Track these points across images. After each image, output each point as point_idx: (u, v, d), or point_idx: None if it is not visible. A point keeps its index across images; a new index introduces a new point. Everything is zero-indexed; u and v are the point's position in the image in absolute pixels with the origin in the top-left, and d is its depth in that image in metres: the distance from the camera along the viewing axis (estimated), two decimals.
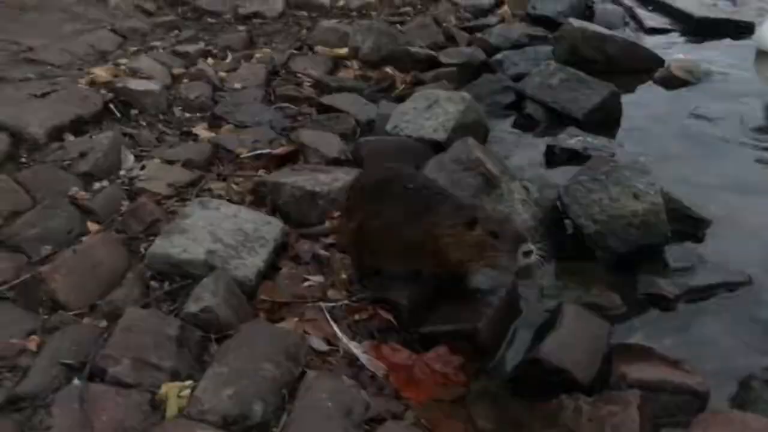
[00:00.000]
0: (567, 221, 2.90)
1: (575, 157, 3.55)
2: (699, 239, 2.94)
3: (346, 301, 2.49)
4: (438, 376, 2.24)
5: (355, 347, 2.28)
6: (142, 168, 3.25)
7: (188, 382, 1.93)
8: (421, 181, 2.54)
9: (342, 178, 3.05)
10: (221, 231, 2.57)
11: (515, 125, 4.16)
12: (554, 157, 3.64)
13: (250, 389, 1.87)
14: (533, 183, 3.23)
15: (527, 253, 2.24)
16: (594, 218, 2.80)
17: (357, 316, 2.43)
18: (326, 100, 4.29)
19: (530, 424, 2.01)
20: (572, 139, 3.73)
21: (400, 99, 4.03)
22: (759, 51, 5.15)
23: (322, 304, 2.44)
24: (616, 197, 2.79)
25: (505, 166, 3.25)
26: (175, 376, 1.97)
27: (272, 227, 2.71)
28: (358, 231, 2.54)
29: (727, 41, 5.48)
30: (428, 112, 3.67)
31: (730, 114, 4.16)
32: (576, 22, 5.13)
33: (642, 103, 4.40)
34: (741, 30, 5.62)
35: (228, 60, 5.04)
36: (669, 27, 6.03)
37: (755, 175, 3.49)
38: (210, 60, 4.99)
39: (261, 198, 3.05)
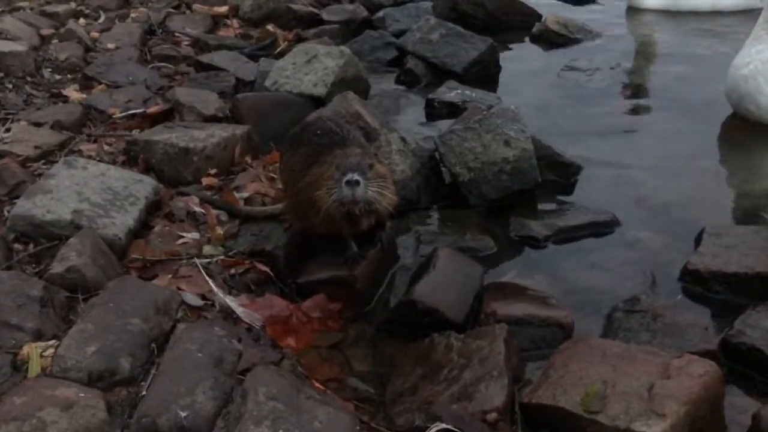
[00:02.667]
0: (444, 170, 2.94)
1: (454, 109, 3.59)
2: (570, 184, 3.04)
3: (222, 257, 2.46)
4: (315, 323, 2.25)
5: (230, 301, 2.25)
6: (7, 131, 3.09)
7: (52, 342, 1.87)
8: (331, 128, 2.48)
9: (218, 134, 2.99)
10: (88, 190, 2.48)
11: (396, 81, 4.18)
12: (434, 110, 3.68)
13: (117, 344, 1.83)
14: (413, 135, 3.25)
15: (349, 183, 2.20)
16: (468, 166, 2.85)
17: (233, 270, 2.41)
18: (205, 58, 4.19)
19: (403, 363, 2.04)
20: (451, 92, 3.77)
21: (282, 56, 3.98)
22: (629, 8, 5.38)
23: (197, 260, 2.40)
24: (488, 144, 2.85)
25: (384, 120, 3.27)
26: (38, 337, 1.89)
27: (144, 185, 2.63)
28: (292, 191, 2.49)
29: (602, 1, 5.67)
30: (307, 67, 3.63)
31: (601, 65, 4.33)
32: None
33: (520, 58, 4.51)
34: None
35: (101, 20, 4.84)
36: None
37: (624, 122, 3.63)
38: (82, 20, 4.78)
39: (133, 158, 2.96)
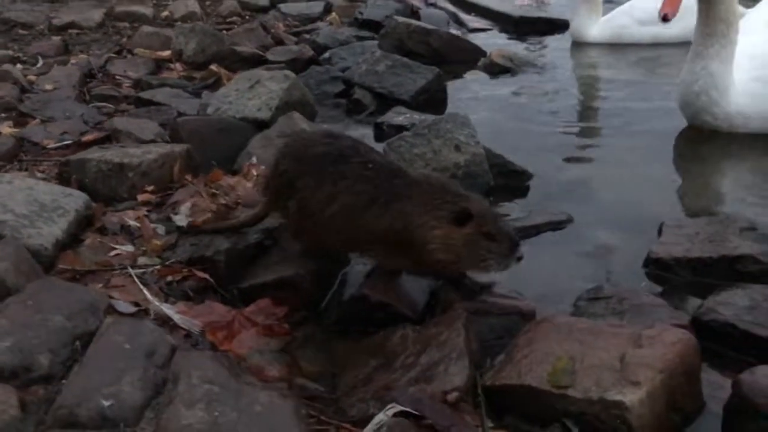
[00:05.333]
0: None
1: (403, 131, 3.51)
2: (523, 189, 2.96)
3: (158, 266, 2.29)
4: (260, 328, 2.07)
5: (167, 308, 2.07)
6: None
7: None
8: (375, 157, 2.11)
9: (155, 151, 2.85)
10: (13, 202, 2.31)
11: (344, 110, 4.12)
12: (382, 133, 3.59)
13: (34, 340, 1.64)
14: None
15: (519, 259, 1.98)
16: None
17: (170, 278, 2.24)
18: (146, 95, 4.07)
19: (355, 359, 1.88)
20: (400, 116, 3.70)
21: None
22: (573, 42, 5.47)
23: (131, 270, 2.23)
24: (438, 149, 2.77)
25: None
26: None
27: (74, 198, 2.47)
28: (301, 212, 2.12)
29: (546, 36, 5.78)
30: (251, 92, 3.54)
31: (548, 92, 4.34)
32: (401, 18, 5.20)
33: (467, 87, 4.50)
34: (557, 26, 5.94)
35: (39, 65, 4.72)
36: (491, 27, 6.27)
37: (575, 141, 3.62)
38: (18, 66, 4.65)
39: (66, 179, 2.79)
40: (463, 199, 1.99)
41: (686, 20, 4.99)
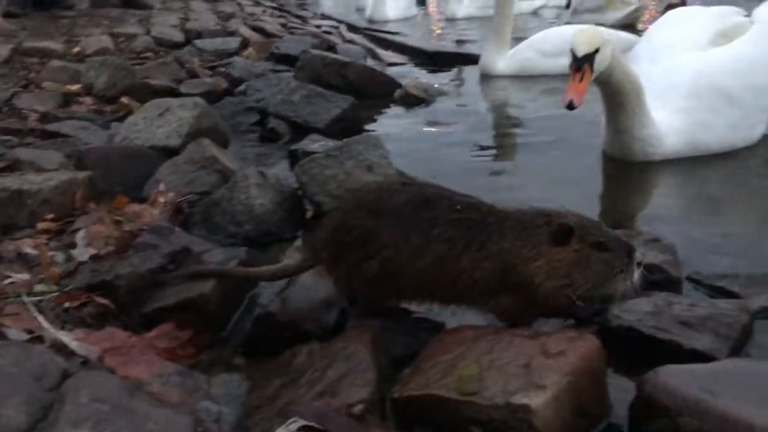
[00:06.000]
0: (306, 201, 2.80)
1: None
2: None
3: (55, 293, 2.18)
4: (163, 353, 1.99)
5: (64, 335, 1.97)
6: None
7: None
8: (462, 198, 1.92)
9: (57, 178, 2.75)
10: None
11: (259, 139, 4.09)
12: (297, 160, 3.56)
13: None
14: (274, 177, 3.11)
15: (639, 265, 1.80)
16: (331, 194, 2.73)
17: (68, 305, 2.13)
18: (52, 127, 3.94)
19: (261, 378, 1.82)
20: (315, 144, 3.68)
21: None
22: (482, 75, 5.61)
23: (26, 298, 2.11)
24: (350, 171, 2.75)
25: (243, 163, 3.13)
26: None
27: None
28: (383, 269, 1.88)
29: (458, 69, 5.92)
30: (160, 120, 3.46)
31: (459, 120, 4.45)
32: (316, 51, 5.23)
33: (383, 116, 4.56)
34: (470, 60, 6.09)
35: None
36: (406, 62, 6.38)
37: (479, 165, 3.67)
38: None
39: None
40: (559, 216, 1.80)
41: None
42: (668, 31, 3.97)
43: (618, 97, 3.38)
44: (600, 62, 3.20)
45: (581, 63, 3.20)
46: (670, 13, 4.20)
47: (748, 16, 3.86)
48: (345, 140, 2.88)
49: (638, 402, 1.61)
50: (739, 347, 1.92)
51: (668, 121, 3.44)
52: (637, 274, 1.79)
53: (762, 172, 3.46)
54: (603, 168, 3.55)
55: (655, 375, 1.61)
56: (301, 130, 4.06)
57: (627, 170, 3.44)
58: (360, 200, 1.98)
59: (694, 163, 3.45)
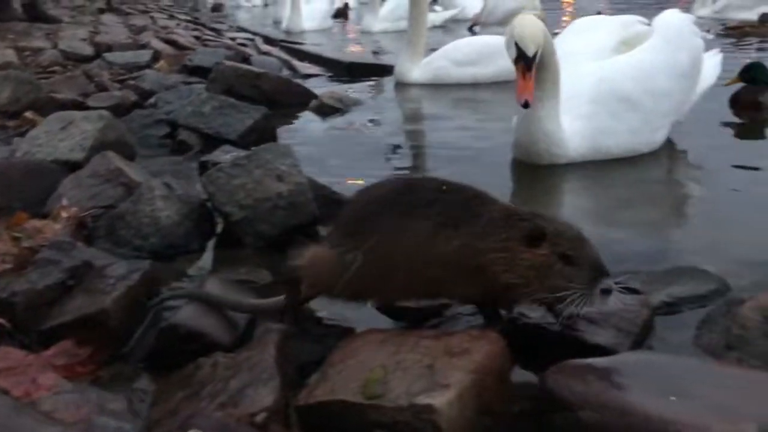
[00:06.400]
0: (215, 212, 2.75)
1: None
2: None
3: None
4: (61, 370, 1.91)
5: None
6: None
7: None
8: (455, 183, 1.91)
9: None
10: None
11: (169, 152, 4.00)
12: (206, 171, 3.50)
13: None
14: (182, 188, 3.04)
15: (605, 292, 1.74)
16: (240, 204, 2.67)
17: None
18: None
19: (164, 391, 1.76)
20: (226, 155, 3.61)
21: None
22: (397, 83, 5.69)
23: None
24: (259, 180, 2.70)
25: (149, 175, 3.05)
26: None
27: None
28: (366, 263, 1.84)
29: (374, 79, 5.95)
30: (63, 133, 3.35)
31: (374, 129, 4.49)
32: (229, 62, 5.17)
33: (297, 126, 4.56)
34: (384, 70, 6.14)
35: None
36: (323, 73, 6.38)
37: (395, 173, 3.67)
38: None
39: None
40: (541, 219, 1.79)
41: (500, 62, 5.34)
42: (573, 40, 4.07)
43: (541, 86, 3.43)
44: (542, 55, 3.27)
45: (531, 63, 3.23)
46: (576, 22, 4.32)
47: (650, 25, 4.00)
48: (253, 149, 2.84)
49: (541, 398, 1.63)
50: (640, 341, 1.96)
51: (572, 125, 3.53)
52: (599, 301, 1.74)
53: (664, 176, 3.58)
54: (512, 173, 3.61)
55: (556, 370, 1.64)
56: (213, 142, 3.99)
57: (535, 174, 3.51)
58: (352, 200, 2.00)
59: (600, 168, 3.54)
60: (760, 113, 4.56)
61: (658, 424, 1.43)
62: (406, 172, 3.66)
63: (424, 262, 1.80)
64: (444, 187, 1.85)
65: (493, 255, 1.76)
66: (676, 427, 1.41)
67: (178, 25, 10.52)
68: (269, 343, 1.78)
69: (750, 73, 4.60)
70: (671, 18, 3.87)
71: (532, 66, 3.25)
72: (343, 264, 1.85)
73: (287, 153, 2.81)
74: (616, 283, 1.76)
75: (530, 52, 3.24)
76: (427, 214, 1.80)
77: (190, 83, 5.34)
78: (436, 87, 5.54)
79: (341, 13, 13.24)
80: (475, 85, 5.53)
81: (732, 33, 8.24)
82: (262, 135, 4.12)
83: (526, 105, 3.25)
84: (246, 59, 6.31)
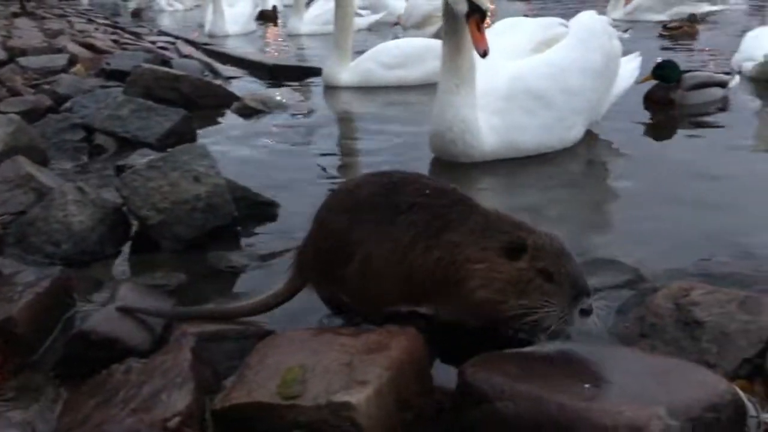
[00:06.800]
0: (131, 216, 2.68)
1: None
2: (271, 219, 2.92)
3: None
4: None
5: None
6: None
7: None
8: (440, 186, 1.84)
9: None
10: None
11: (85, 155, 3.88)
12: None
13: None
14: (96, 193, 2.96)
15: (585, 312, 1.65)
16: (157, 207, 2.61)
17: None
18: None
19: (75, 399, 1.70)
20: (144, 158, 3.52)
21: None
22: (325, 86, 5.66)
23: None
24: (176, 182, 2.65)
25: (62, 180, 2.95)
26: None
27: None
28: (362, 271, 1.80)
29: (299, 82, 5.92)
30: None
31: (298, 131, 4.45)
32: (147, 65, 5.05)
33: (219, 129, 4.50)
34: (309, 73, 6.11)
35: None
36: (246, 75, 6.31)
37: (319, 173, 3.67)
38: None
39: None
40: (523, 230, 1.70)
41: (427, 64, 5.37)
42: (493, 41, 4.12)
43: (459, 73, 3.49)
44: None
45: (485, 15, 3.35)
46: (497, 23, 4.37)
47: None
48: (169, 150, 2.78)
49: (459, 391, 1.63)
50: (556, 332, 1.99)
51: (487, 121, 3.58)
52: (578, 320, 1.66)
53: (580, 172, 3.65)
54: (432, 171, 3.63)
55: (473, 363, 1.64)
56: (131, 146, 3.90)
57: (454, 172, 3.54)
58: (331, 200, 1.93)
59: (516, 165, 3.58)
60: (672, 109, 4.71)
61: (572, 412, 1.45)
62: (334, 174, 3.63)
63: (403, 271, 1.76)
64: (427, 191, 1.78)
65: (470, 266, 1.70)
66: (589, 414, 1.43)
67: (96, 29, 10.25)
68: (185, 347, 1.73)
69: (661, 71, 4.75)
70: (585, 18, 3.96)
71: (485, 18, 3.34)
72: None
73: (204, 154, 2.76)
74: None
75: (485, 8, 3.32)
76: (407, 222, 1.75)
77: (107, 87, 5.19)
78: (364, 90, 5.54)
79: (269, 17, 13.14)
80: (402, 88, 5.55)
81: (671, 33, 8.56)
82: (181, 138, 4.04)
83: (485, 54, 3.31)
84: (166, 62, 6.18)
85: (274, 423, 1.54)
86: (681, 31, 8.66)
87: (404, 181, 1.82)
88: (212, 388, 1.71)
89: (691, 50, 7.52)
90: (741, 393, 1.53)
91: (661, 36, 8.55)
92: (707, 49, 7.42)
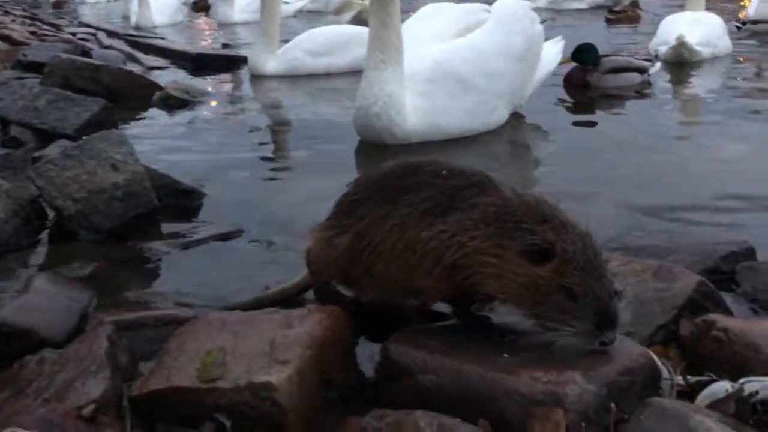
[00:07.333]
0: (48, 206, 2.60)
1: None
2: (194, 208, 2.88)
3: None
4: None
5: None
6: None
7: None
8: (460, 169, 1.66)
9: None
10: None
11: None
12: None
13: None
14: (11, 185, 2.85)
15: (604, 344, 1.46)
16: (73, 197, 2.53)
17: None
18: None
19: None
20: (60, 149, 3.43)
21: None
22: (252, 75, 5.59)
23: None
24: (93, 171, 2.57)
25: None
26: None
27: None
28: (352, 246, 1.69)
29: (226, 71, 5.83)
30: None
31: (223, 119, 4.41)
32: (65, 55, 4.91)
33: (143, 119, 4.41)
34: (235, 62, 6.02)
35: None
36: (170, 65, 6.18)
37: (243, 161, 3.60)
38: None
39: None
40: (551, 227, 1.48)
41: (354, 51, 5.36)
42: (418, 26, 4.15)
43: (385, 50, 3.50)
44: None
45: None
46: (423, 8, 4.39)
47: None
48: (84, 138, 2.70)
49: (383, 366, 1.63)
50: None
51: (411, 103, 3.59)
52: (594, 346, 1.47)
53: (504, 153, 3.70)
54: (358, 156, 3.63)
55: (396, 338, 1.65)
56: (49, 137, 3.77)
57: (380, 155, 3.54)
58: (349, 188, 1.79)
59: (441, 147, 3.61)
60: (588, 91, 4.82)
61: (491, 381, 1.46)
62: (257, 162, 3.58)
63: (406, 248, 1.60)
64: (444, 172, 1.62)
65: (480, 257, 1.51)
66: (508, 382, 1.45)
67: (13, 20, 9.88)
68: (101, 335, 1.68)
69: (580, 54, 4.85)
70: (507, 3, 4.01)
71: None
72: (332, 246, 1.73)
73: (122, 141, 2.69)
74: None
75: None
76: (414, 200, 1.60)
77: (23, 79, 5.02)
78: (291, 78, 5.49)
79: (202, 7, 12.93)
80: (330, 75, 5.52)
81: (616, 17, 8.85)
82: (101, 129, 3.88)
83: None
84: (86, 53, 6.01)
85: (195, 407, 1.51)
86: (624, 15, 8.95)
87: (420, 164, 1.68)
88: (130, 376, 1.67)
89: (634, 35, 7.70)
90: (655, 357, 1.57)
91: (607, 20, 8.79)
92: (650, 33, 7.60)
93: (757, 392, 1.37)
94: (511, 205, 1.53)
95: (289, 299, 1.96)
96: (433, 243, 1.56)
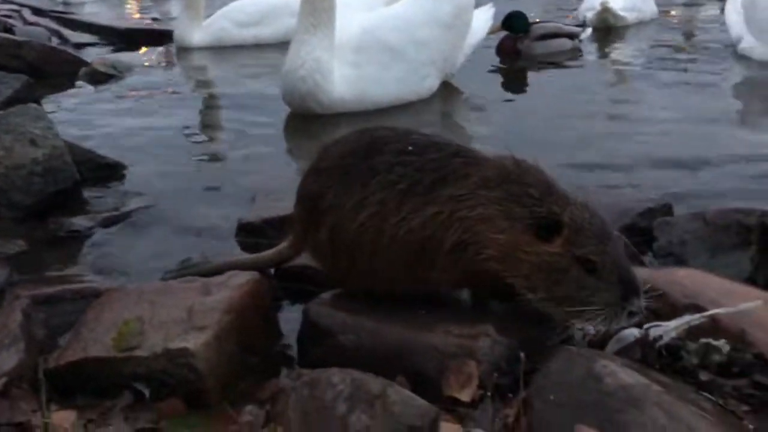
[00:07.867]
0: None
1: None
2: (116, 181, 2.83)
3: None
4: None
5: None
6: None
7: None
8: (421, 138, 1.54)
9: None
10: None
11: None
12: None
13: None
14: None
15: (632, 314, 1.36)
16: None
17: None
18: None
19: None
20: None
21: None
22: (179, 48, 5.51)
23: None
24: (10, 146, 2.50)
25: None
26: None
27: None
28: (332, 240, 1.55)
29: (155, 45, 5.70)
30: None
31: (151, 93, 4.31)
32: None
33: (66, 95, 4.30)
34: (164, 36, 5.88)
35: None
36: (97, 41, 6.03)
37: (168, 135, 3.54)
38: None
39: None
40: (555, 199, 1.36)
41: (283, 21, 5.28)
42: None
43: (315, 14, 3.48)
44: None
45: None
46: None
47: None
48: (0, 113, 2.62)
49: (304, 329, 1.64)
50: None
51: (338, 72, 3.57)
52: (623, 323, 1.37)
53: (436, 123, 3.71)
54: (287, 127, 3.61)
55: (318, 301, 1.66)
56: None
57: (309, 126, 3.53)
58: (313, 161, 1.65)
59: (372, 117, 3.58)
60: (520, 59, 4.87)
61: (408, 337, 1.49)
62: (182, 137, 3.52)
63: (391, 239, 1.46)
64: (410, 148, 1.48)
65: (481, 228, 1.37)
66: (423, 337, 1.47)
67: None
68: (16, 308, 1.65)
69: (510, 21, 4.88)
70: None
71: None
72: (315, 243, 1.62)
73: (40, 116, 2.63)
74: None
75: None
76: (386, 182, 1.46)
77: None
78: (218, 49, 5.38)
79: None
80: (259, 46, 5.43)
81: None
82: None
83: None
84: (9, 30, 5.80)
85: (112, 377, 1.50)
86: None
87: (385, 139, 1.54)
88: (48, 349, 1.65)
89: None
90: None
91: None
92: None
93: (661, 337, 1.42)
94: (507, 170, 1.42)
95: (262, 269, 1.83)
96: (428, 231, 1.43)
